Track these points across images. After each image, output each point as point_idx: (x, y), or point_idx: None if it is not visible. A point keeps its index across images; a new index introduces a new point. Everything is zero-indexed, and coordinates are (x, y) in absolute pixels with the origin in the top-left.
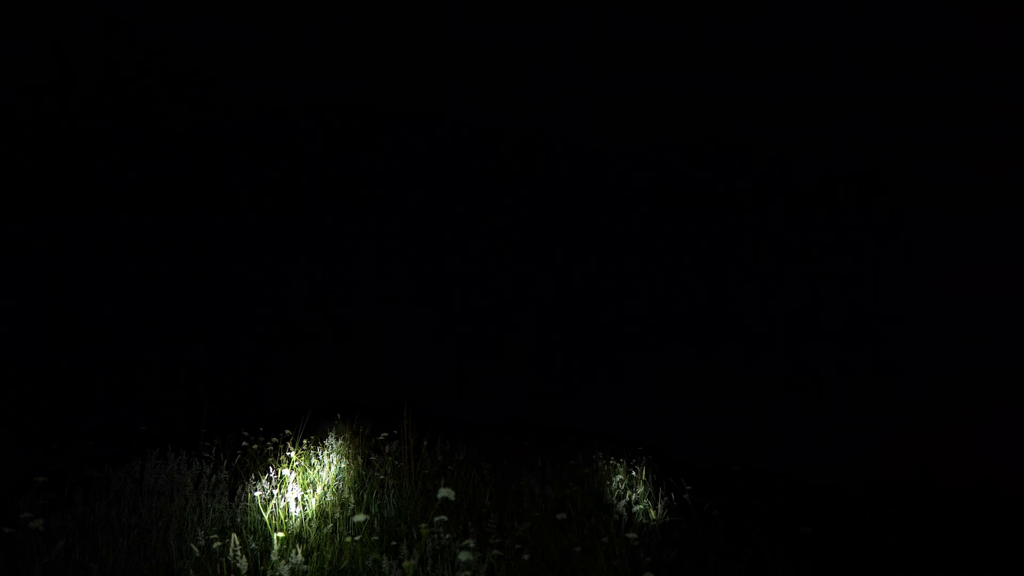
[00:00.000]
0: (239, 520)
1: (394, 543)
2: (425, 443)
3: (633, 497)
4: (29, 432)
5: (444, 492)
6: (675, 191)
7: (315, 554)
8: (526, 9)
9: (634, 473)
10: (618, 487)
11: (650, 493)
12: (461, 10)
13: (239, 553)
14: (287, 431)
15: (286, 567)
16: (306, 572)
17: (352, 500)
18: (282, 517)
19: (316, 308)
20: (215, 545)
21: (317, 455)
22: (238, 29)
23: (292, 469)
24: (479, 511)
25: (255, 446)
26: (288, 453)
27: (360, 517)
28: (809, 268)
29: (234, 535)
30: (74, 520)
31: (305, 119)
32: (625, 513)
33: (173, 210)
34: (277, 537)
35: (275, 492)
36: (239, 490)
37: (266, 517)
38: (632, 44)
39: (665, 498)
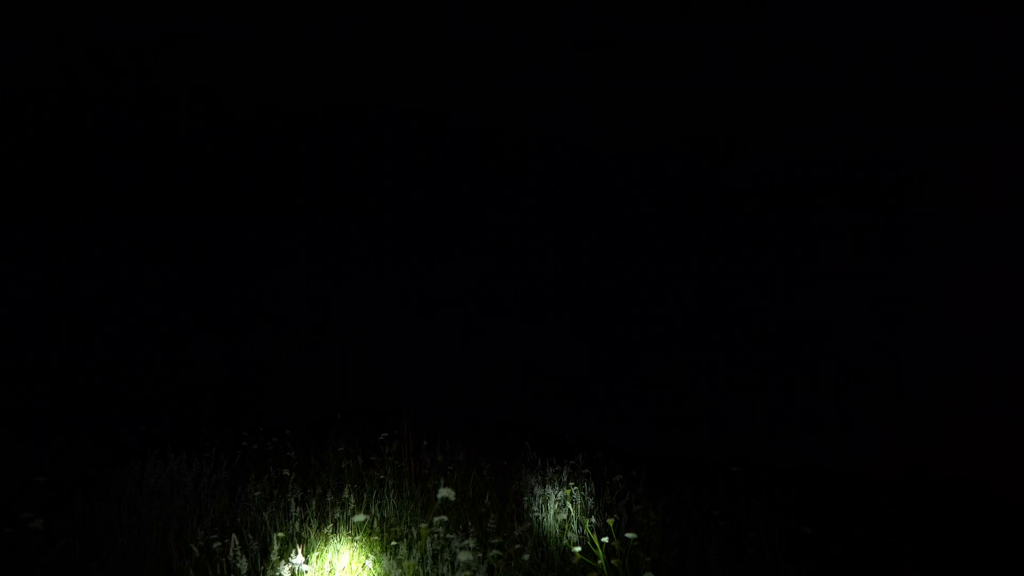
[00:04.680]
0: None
1: (394, 543)
2: (425, 443)
3: (633, 497)
4: (29, 432)
5: (444, 492)
6: (676, 192)
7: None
8: (527, 9)
9: (634, 474)
10: (618, 487)
11: (651, 493)
12: (462, 9)
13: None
14: (287, 431)
15: None
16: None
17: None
18: None
19: (316, 309)
20: (215, 545)
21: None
22: (238, 29)
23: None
24: (479, 511)
25: (255, 446)
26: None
27: (360, 517)
28: (807, 266)
29: (234, 535)
30: (74, 520)
31: (305, 119)
32: (625, 513)
33: (173, 211)
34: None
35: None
36: (238, 490)
37: None
38: (633, 44)
39: (665, 498)
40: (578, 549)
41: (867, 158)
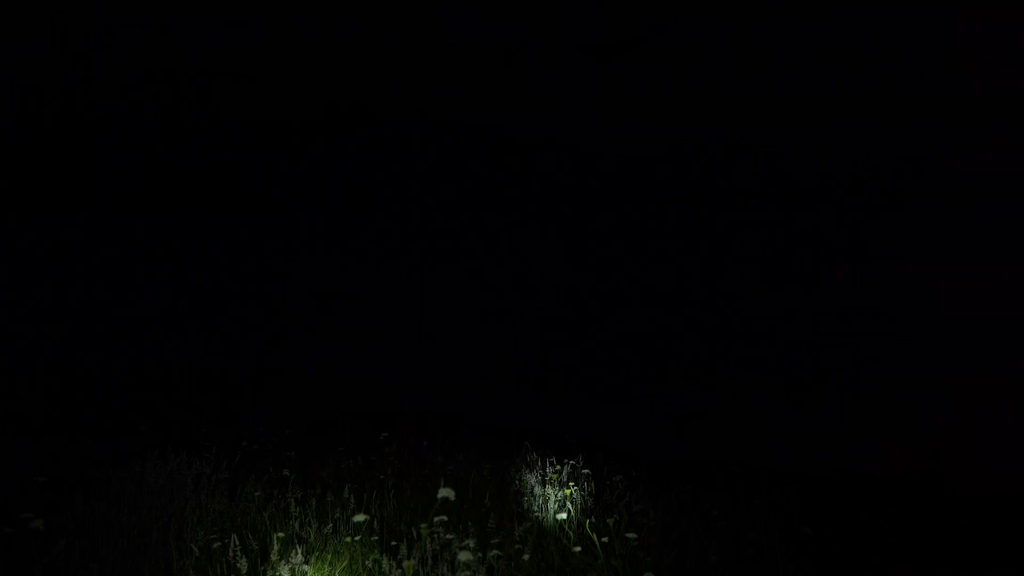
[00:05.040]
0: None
1: (394, 543)
2: (425, 443)
3: (633, 497)
4: (29, 432)
5: (444, 492)
6: (676, 191)
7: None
8: (527, 9)
9: (634, 474)
10: (618, 487)
11: (651, 493)
12: (462, 9)
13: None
14: (287, 431)
15: None
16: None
17: None
18: None
19: (316, 310)
20: (215, 545)
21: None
22: (238, 29)
23: None
24: (479, 511)
25: (255, 446)
26: None
27: (360, 517)
28: (807, 267)
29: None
30: (74, 520)
31: (304, 119)
32: (625, 513)
33: (172, 211)
34: None
35: None
36: (238, 490)
37: None
38: (634, 44)
39: (665, 498)
40: (578, 549)
41: (866, 158)
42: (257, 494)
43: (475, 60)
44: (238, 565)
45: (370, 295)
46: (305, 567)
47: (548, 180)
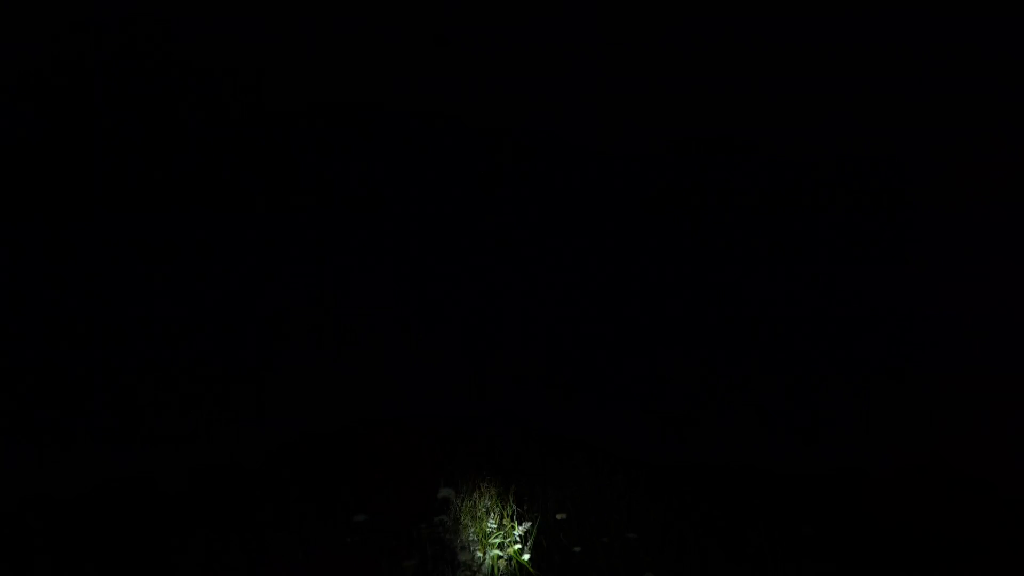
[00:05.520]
0: None
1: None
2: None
3: (634, 496)
4: None
5: (444, 492)
6: (675, 190)
7: None
8: (527, 6)
9: (635, 474)
10: (619, 486)
11: (651, 492)
12: (461, 7)
13: None
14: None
15: None
16: None
17: None
18: None
19: (315, 312)
20: None
21: None
22: (237, 28)
23: None
24: (479, 511)
25: None
26: None
27: (361, 517)
28: (808, 265)
29: None
30: None
31: (303, 118)
32: (626, 513)
33: (171, 212)
34: None
35: None
36: None
37: None
38: (634, 41)
39: (666, 497)
40: (578, 549)
41: (867, 158)
42: None
43: (475, 59)
44: None
45: (366, 295)
46: None
47: (548, 178)
